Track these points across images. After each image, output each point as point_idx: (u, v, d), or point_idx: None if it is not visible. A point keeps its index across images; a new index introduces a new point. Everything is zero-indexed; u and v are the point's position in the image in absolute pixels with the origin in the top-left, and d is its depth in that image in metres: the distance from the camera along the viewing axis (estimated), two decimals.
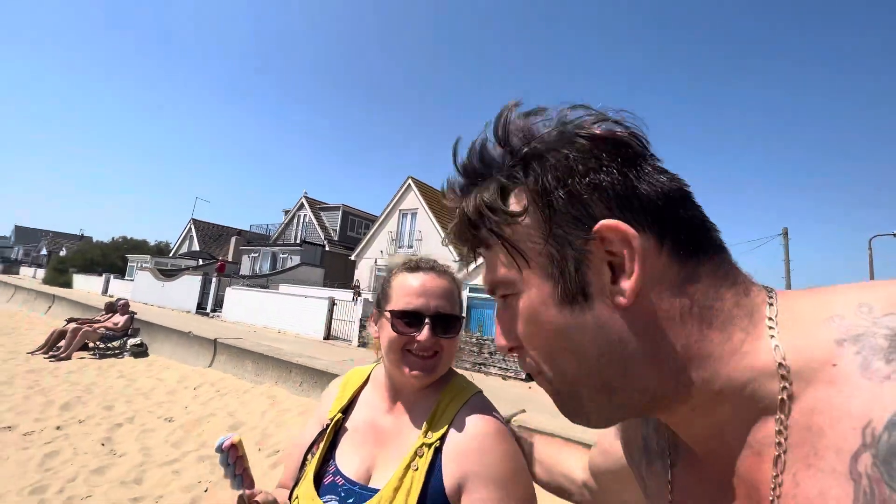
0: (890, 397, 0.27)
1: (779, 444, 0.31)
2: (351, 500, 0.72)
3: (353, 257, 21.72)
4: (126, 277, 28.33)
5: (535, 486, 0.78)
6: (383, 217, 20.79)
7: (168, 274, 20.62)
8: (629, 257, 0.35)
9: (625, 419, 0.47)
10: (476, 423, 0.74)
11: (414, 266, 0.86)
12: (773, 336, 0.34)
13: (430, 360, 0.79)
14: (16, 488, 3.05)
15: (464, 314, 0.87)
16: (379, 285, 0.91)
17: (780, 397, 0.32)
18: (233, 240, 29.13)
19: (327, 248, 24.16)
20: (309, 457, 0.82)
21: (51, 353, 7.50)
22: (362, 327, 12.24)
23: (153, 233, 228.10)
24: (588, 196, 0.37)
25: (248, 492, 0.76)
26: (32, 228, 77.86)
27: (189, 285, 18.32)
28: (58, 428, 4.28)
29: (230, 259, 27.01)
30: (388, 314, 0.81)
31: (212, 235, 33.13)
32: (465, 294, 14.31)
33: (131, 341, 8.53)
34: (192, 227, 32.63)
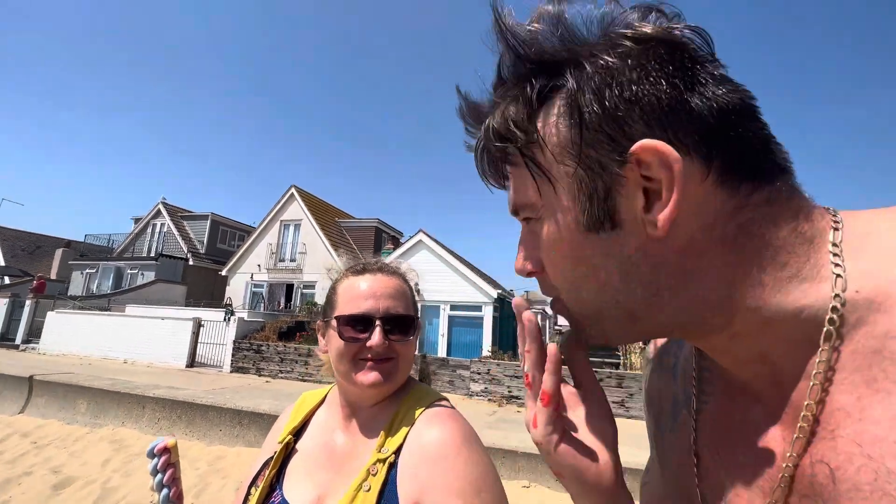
0: None
1: (830, 366, 0.30)
2: None
3: (224, 272, 19.37)
4: None
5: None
6: (262, 228, 19.07)
7: None
8: (667, 184, 0.31)
9: (647, 340, 0.44)
10: (433, 432, 0.67)
11: (360, 269, 0.80)
12: (837, 264, 0.31)
13: (385, 363, 0.72)
14: None
15: (419, 315, 0.81)
16: (323, 296, 0.84)
17: (833, 324, 0.30)
18: (58, 252, 23.55)
19: (191, 262, 21.11)
20: (252, 489, 0.71)
21: None
22: (237, 350, 10.90)
23: None
24: (626, 112, 0.32)
25: None
26: None
27: None
28: None
29: (54, 276, 21.75)
30: (334, 322, 0.74)
31: (25, 247, 26.27)
32: None
33: None
34: None
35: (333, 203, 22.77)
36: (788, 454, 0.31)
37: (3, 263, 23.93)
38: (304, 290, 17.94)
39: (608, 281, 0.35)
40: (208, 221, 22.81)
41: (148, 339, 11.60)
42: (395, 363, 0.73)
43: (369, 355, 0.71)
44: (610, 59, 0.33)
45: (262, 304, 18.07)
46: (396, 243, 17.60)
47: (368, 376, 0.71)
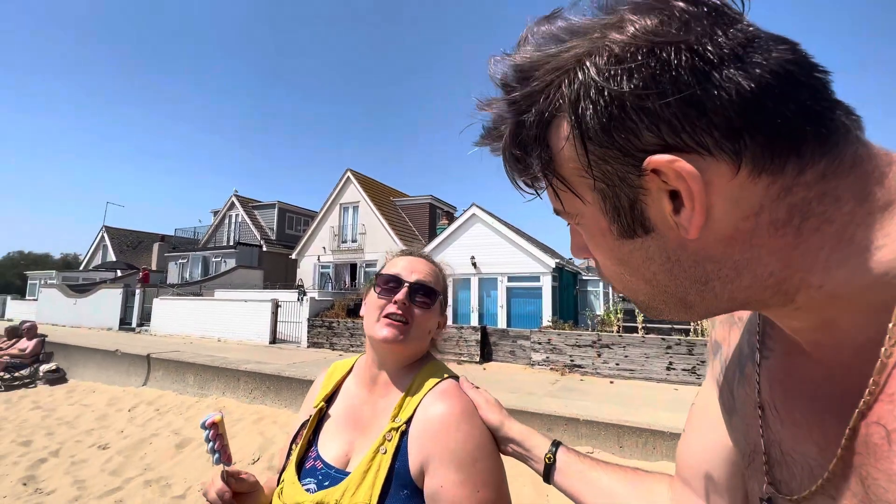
0: None
1: None
2: (327, 483, 0.76)
3: (293, 256, 20.81)
4: (28, 297, 25.00)
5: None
6: (323, 212, 20.09)
7: (80, 289, 18.44)
8: (687, 195, 0.30)
9: (712, 317, 0.43)
10: (439, 406, 0.77)
11: (407, 252, 0.96)
12: None
13: (402, 324, 0.83)
14: None
15: (444, 297, 0.92)
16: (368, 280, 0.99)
17: None
18: (155, 246, 26.66)
19: (265, 249, 22.91)
20: (294, 445, 0.85)
21: None
22: (311, 327, 11.84)
23: (57, 245, 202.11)
24: (631, 122, 0.30)
25: (227, 469, 0.81)
26: None
27: (107, 300, 16.54)
28: None
29: (154, 267, 24.73)
30: (374, 280, 0.89)
31: (129, 243, 30.02)
32: None
33: (44, 367, 7.59)
34: (105, 235, 29.33)
35: (388, 183, 23.34)
36: (850, 415, 0.30)
37: (114, 258, 27.60)
38: (366, 269, 18.82)
39: (654, 278, 0.36)
40: (276, 209, 24.44)
41: (235, 320, 12.95)
42: (409, 327, 0.84)
43: (393, 309, 0.83)
44: (602, 69, 0.30)
45: (330, 284, 19.28)
46: (451, 218, 17.74)
47: (383, 330, 0.82)
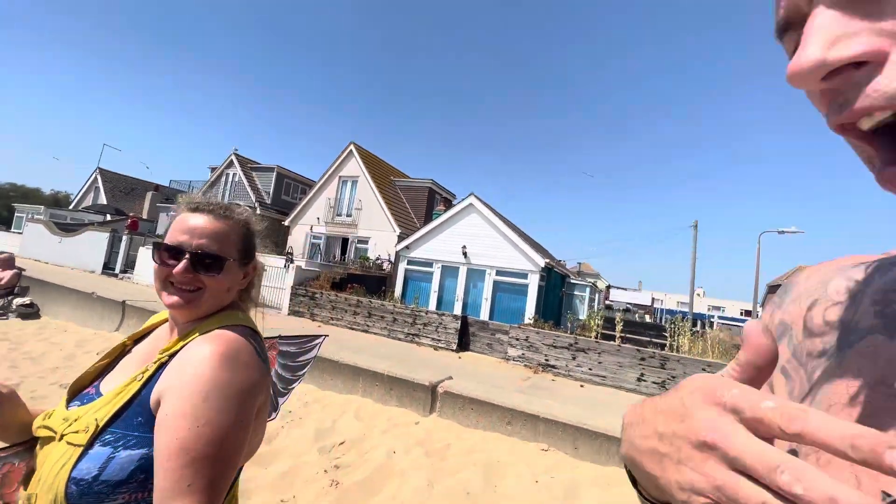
0: None
1: None
2: (86, 402, 0.78)
3: (286, 223, 20.66)
4: (13, 229, 24.65)
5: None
6: (322, 182, 19.89)
7: (67, 228, 18.20)
8: None
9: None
10: (198, 346, 0.75)
11: (195, 207, 0.89)
12: None
13: (190, 292, 0.82)
14: None
15: (245, 250, 0.92)
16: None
17: None
18: (148, 195, 26.31)
19: (258, 211, 22.71)
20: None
21: None
22: (294, 295, 11.81)
23: (49, 181, 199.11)
24: None
25: None
26: None
27: (93, 242, 16.34)
28: None
29: (145, 216, 24.46)
30: (154, 246, 0.84)
31: (123, 189, 29.59)
32: (403, 266, 14.31)
33: (18, 301, 7.51)
34: (99, 177, 28.85)
35: (390, 162, 23.12)
36: None
37: (105, 202, 27.23)
38: (357, 245, 18.76)
39: None
40: (274, 174, 24.13)
41: None
42: (201, 292, 0.83)
43: (175, 280, 0.81)
44: None
45: (320, 255, 19.20)
46: (448, 204, 17.63)
47: (170, 299, 0.81)
